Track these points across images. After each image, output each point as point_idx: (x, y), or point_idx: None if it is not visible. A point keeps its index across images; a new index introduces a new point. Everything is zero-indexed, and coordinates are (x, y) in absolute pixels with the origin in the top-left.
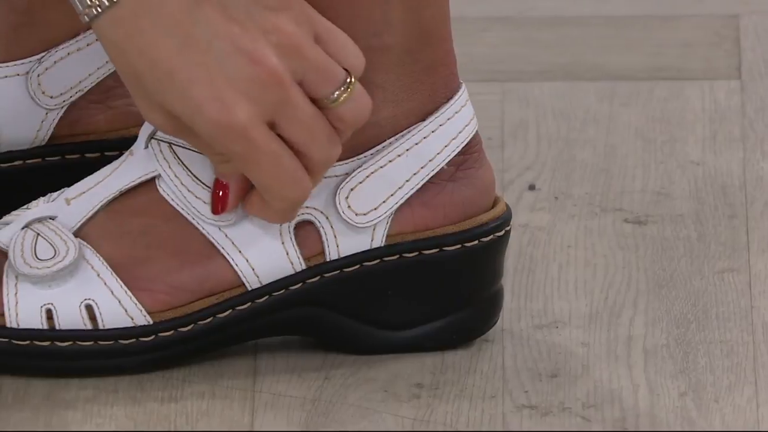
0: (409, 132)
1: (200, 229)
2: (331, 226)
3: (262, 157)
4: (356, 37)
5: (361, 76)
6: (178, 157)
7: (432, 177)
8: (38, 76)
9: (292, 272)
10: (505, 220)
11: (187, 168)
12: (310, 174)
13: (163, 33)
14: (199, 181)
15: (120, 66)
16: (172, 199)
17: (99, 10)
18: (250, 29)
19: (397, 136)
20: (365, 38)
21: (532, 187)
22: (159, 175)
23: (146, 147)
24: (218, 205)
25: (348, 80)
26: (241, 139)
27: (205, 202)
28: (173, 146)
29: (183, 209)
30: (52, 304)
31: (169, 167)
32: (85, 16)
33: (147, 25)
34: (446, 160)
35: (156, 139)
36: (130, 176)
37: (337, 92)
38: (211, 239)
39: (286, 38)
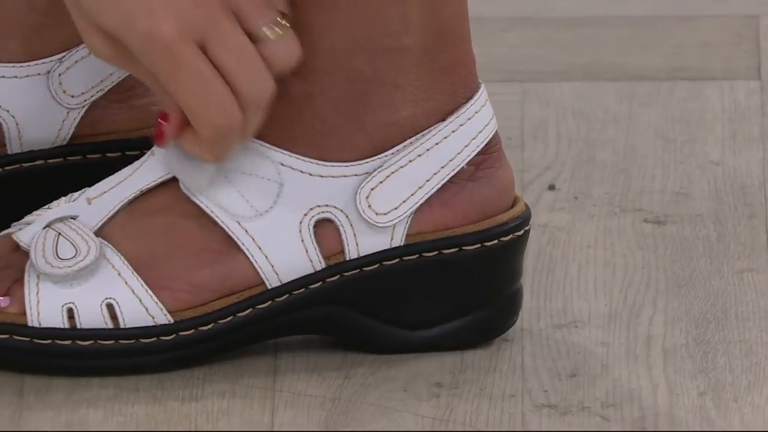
0: (429, 132)
1: (222, 226)
2: (351, 225)
3: (188, 74)
4: (374, 37)
5: (378, 76)
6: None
7: (452, 177)
8: (59, 75)
9: (312, 271)
10: (524, 219)
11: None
12: (242, 110)
13: None
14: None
15: None
16: (197, 198)
17: None
18: None
19: (417, 136)
20: (383, 39)
21: (551, 187)
22: None
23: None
24: (158, 137)
25: (282, 21)
26: (168, 53)
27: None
28: None
29: (207, 207)
30: (73, 303)
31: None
32: None
33: None
34: (466, 160)
35: None
36: (151, 176)
37: (268, 27)
38: (233, 237)
39: None
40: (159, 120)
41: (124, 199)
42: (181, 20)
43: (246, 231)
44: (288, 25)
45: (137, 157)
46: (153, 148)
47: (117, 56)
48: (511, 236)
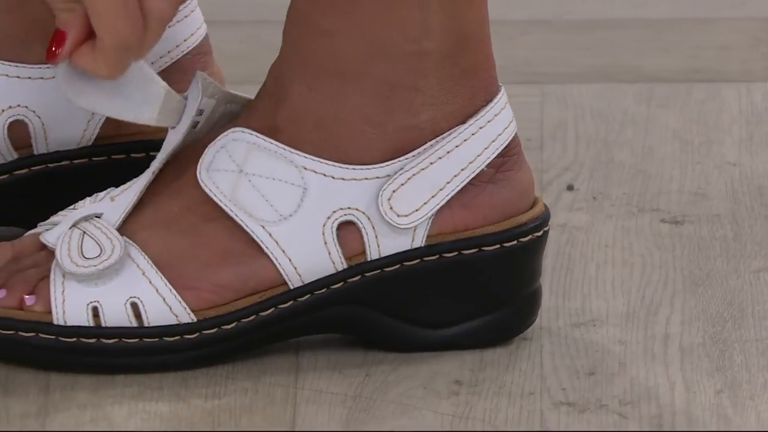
0: (449, 135)
1: (246, 230)
2: (373, 227)
3: None
4: (395, 42)
5: (399, 80)
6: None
7: (472, 179)
8: None
9: (334, 271)
10: (543, 220)
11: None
12: (145, 24)
13: None
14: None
15: None
16: (219, 199)
17: None
18: None
19: (437, 138)
20: (404, 44)
21: (570, 188)
22: None
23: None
24: (52, 55)
25: None
26: None
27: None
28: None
29: (231, 210)
30: (98, 301)
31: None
32: None
33: None
34: (486, 162)
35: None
36: (160, 158)
37: None
38: (256, 239)
39: None
40: (55, 37)
41: (142, 188)
42: None
43: (270, 234)
44: None
45: None
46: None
47: None
48: (530, 237)
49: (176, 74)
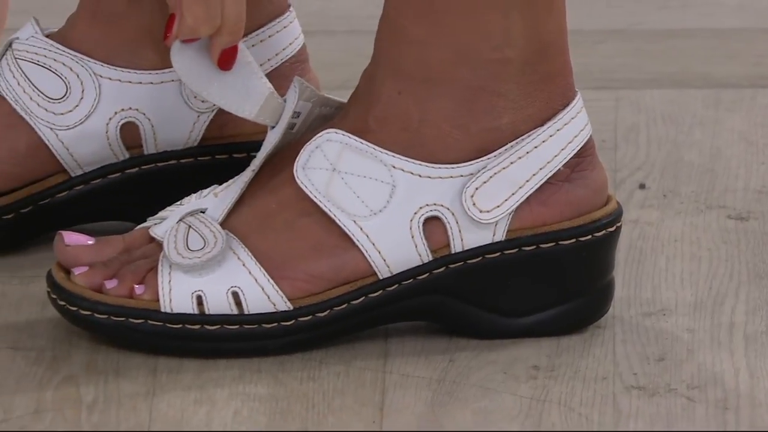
0: (528, 136)
1: (339, 224)
2: (457, 222)
3: None
4: (479, 50)
5: (482, 85)
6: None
7: (549, 178)
8: None
9: (420, 263)
10: (616, 216)
11: None
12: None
13: None
14: None
15: None
16: (315, 196)
17: None
18: None
19: (517, 140)
20: (487, 52)
21: (642, 186)
22: None
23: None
24: (165, 37)
25: None
26: None
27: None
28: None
29: (325, 206)
30: (202, 291)
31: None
32: None
33: None
34: (562, 162)
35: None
36: (259, 157)
37: None
38: (348, 232)
39: None
40: (168, 23)
41: (243, 185)
42: None
43: (361, 228)
44: None
45: None
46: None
47: None
48: (603, 232)
49: (276, 80)
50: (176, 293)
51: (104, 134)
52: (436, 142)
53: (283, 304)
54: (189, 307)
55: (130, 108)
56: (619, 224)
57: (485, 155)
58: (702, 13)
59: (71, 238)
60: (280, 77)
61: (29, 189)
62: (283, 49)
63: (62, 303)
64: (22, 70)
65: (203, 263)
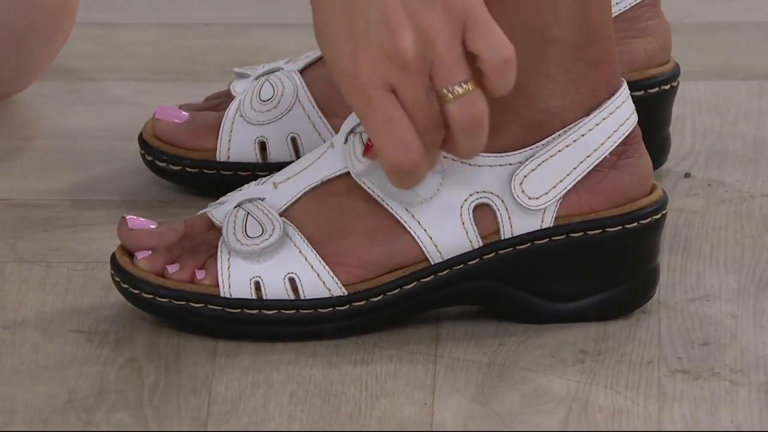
0: (575, 125)
1: (391, 211)
2: (506, 209)
3: (375, 113)
4: (528, 27)
5: (532, 66)
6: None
7: (596, 165)
8: None
9: (471, 249)
10: (662, 204)
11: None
12: (426, 150)
13: None
14: None
15: (311, 6)
16: (368, 186)
17: None
18: (403, 10)
19: (565, 128)
20: (536, 29)
21: (687, 175)
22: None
23: (345, 142)
24: (365, 152)
25: (467, 82)
26: (361, 94)
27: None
28: (363, 135)
29: (377, 195)
30: (259, 277)
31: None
32: None
33: None
34: (609, 150)
35: (354, 133)
36: (330, 168)
37: (449, 89)
38: (400, 219)
39: (427, 27)
40: (367, 143)
41: (307, 187)
42: (377, 70)
43: (413, 215)
44: (471, 86)
45: None
46: (332, 139)
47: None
48: (649, 219)
49: (624, 23)
50: (235, 279)
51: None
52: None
53: (338, 290)
54: (247, 293)
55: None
56: (664, 212)
57: (533, 144)
58: (747, 7)
59: (134, 222)
60: (628, 20)
61: None
62: None
63: (125, 286)
64: None
65: (261, 250)
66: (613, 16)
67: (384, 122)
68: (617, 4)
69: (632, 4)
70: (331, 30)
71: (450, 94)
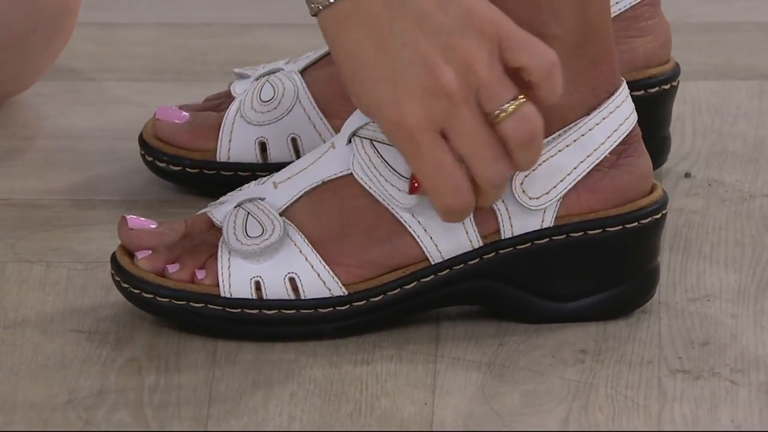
0: (575, 125)
1: (391, 211)
2: (507, 208)
3: (425, 159)
4: (526, 26)
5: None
6: (378, 152)
7: (596, 165)
8: None
9: (471, 248)
10: (662, 204)
11: (386, 161)
12: (478, 190)
13: (365, 35)
14: (396, 172)
15: (333, 55)
16: (369, 187)
17: (320, 7)
18: (436, 45)
19: (564, 128)
20: (535, 28)
21: (687, 175)
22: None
23: (348, 143)
24: (412, 190)
25: (516, 98)
26: (409, 140)
27: (400, 190)
28: (374, 143)
29: (379, 195)
30: (260, 276)
31: (369, 160)
32: (311, 11)
33: (353, 26)
34: (609, 150)
35: (358, 136)
36: (331, 168)
37: (500, 108)
38: (400, 219)
39: (464, 56)
40: (413, 180)
41: (307, 187)
42: (423, 112)
43: (413, 215)
44: (522, 100)
45: None
46: (333, 140)
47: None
48: (649, 219)
49: (624, 22)
50: (235, 279)
51: None
52: None
53: (338, 290)
54: (247, 292)
55: None
56: (664, 212)
57: None
58: (747, 7)
59: (135, 222)
60: (627, 19)
61: None
62: None
63: (126, 286)
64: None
65: (261, 250)
66: (613, 15)
67: (435, 168)
68: (617, 3)
69: (632, 4)
70: (365, 79)
71: (502, 113)
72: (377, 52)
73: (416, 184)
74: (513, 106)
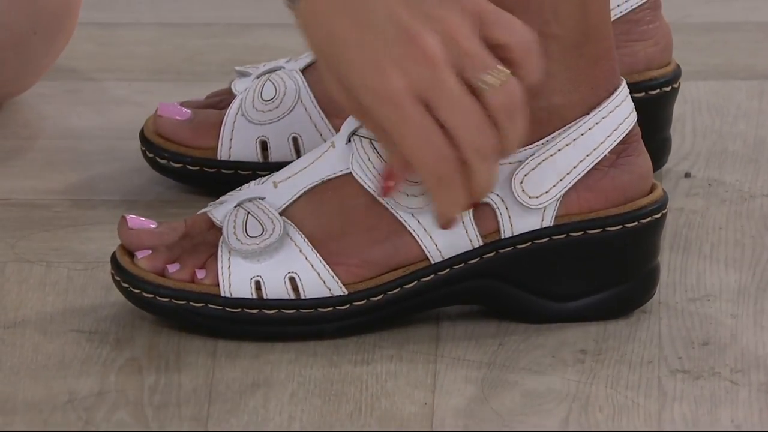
0: (575, 124)
1: (391, 210)
2: (506, 208)
3: (411, 127)
4: (529, 24)
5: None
6: (378, 152)
7: (596, 164)
8: None
9: (471, 248)
10: (662, 204)
11: (385, 161)
12: (466, 162)
13: (341, 12)
14: None
15: (310, 43)
16: (369, 186)
17: None
18: (417, 16)
19: (564, 127)
20: (535, 26)
21: (687, 175)
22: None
23: (347, 142)
24: (385, 191)
25: (500, 68)
26: (393, 107)
27: (399, 191)
28: (373, 142)
29: (377, 194)
30: (260, 276)
31: (369, 159)
32: (287, 3)
33: (334, 8)
34: (608, 149)
35: (358, 135)
36: (331, 168)
37: (483, 80)
38: (401, 219)
39: (447, 28)
40: (385, 178)
41: (307, 186)
42: (406, 78)
43: (413, 215)
44: (504, 70)
45: None
46: (333, 139)
47: (354, 109)
48: (649, 218)
49: (625, 25)
50: (235, 278)
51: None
52: None
53: (338, 289)
54: (247, 292)
55: None
56: (664, 211)
57: (533, 143)
58: (747, 7)
59: (135, 221)
60: (629, 23)
61: None
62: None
63: (126, 285)
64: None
65: (261, 249)
66: (614, 18)
67: (421, 135)
68: (618, 6)
69: (633, 7)
70: (348, 54)
71: (485, 84)
72: (356, 27)
73: (389, 185)
74: (494, 76)
